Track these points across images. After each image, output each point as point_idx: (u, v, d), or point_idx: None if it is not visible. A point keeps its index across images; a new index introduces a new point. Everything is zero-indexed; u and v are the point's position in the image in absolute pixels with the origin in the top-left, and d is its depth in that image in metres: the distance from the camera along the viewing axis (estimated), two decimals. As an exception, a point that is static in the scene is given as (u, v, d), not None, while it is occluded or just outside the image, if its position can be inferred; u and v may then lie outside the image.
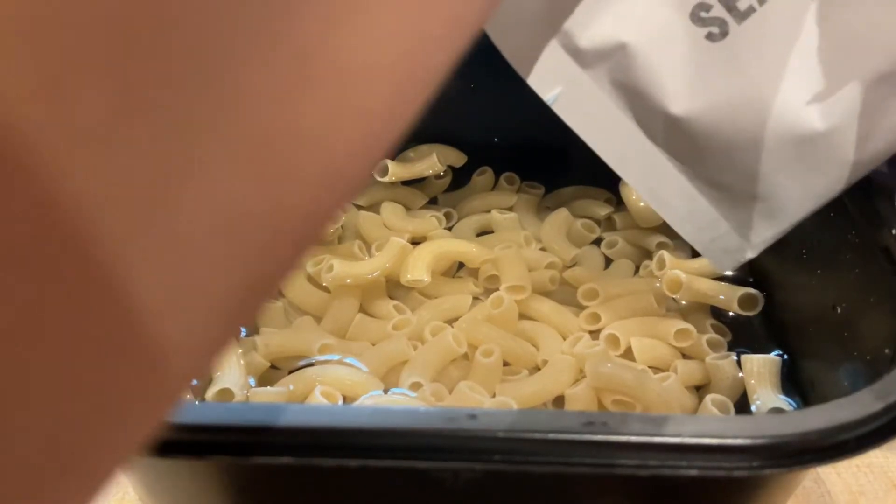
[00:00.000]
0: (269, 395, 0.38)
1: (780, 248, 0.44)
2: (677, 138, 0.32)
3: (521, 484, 0.28)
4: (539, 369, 0.41)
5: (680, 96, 0.31)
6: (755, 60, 0.31)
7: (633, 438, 0.25)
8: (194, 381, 0.40)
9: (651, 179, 0.33)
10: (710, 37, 0.31)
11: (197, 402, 0.34)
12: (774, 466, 0.25)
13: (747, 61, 0.31)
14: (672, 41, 0.31)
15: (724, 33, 0.31)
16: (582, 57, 0.32)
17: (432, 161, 0.53)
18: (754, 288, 0.43)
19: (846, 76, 0.30)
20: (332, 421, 0.25)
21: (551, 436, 0.25)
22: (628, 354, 0.42)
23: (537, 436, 0.25)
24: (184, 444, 0.25)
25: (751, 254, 0.34)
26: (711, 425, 0.25)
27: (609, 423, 0.25)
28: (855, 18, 0.30)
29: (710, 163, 0.33)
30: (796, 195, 0.33)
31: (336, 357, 0.41)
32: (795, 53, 0.31)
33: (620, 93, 0.32)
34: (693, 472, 0.25)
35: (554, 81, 0.30)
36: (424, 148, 0.54)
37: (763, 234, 0.34)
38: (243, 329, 0.43)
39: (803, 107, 0.31)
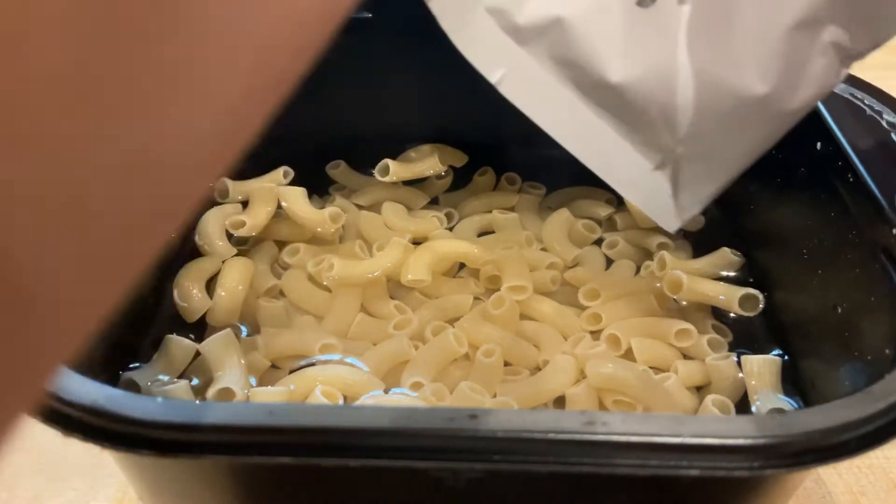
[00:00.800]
0: (269, 394, 0.38)
1: (780, 248, 0.44)
2: (619, 106, 0.32)
3: (522, 484, 0.28)
4: (540, 369, 0.41)
5: (617, 65, 0.31)
6: (686, 24, 0.31)
7: (634, 438, 0.25)
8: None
9: (597, 151, 0.33)
10: (640, 3, 0.31)
11: (197, 402, 0.34)
12: (775, 467, 0.25)
13: (678, 25, 0.31)
14: (605, 11, 0.31)
15: None
16: (520, 35, 0.31)
17: (434, 161, 0.53)
18: (754, 288, 0.43)
19: (770, 31, 0.31)
20: (332, 420, 0.25)
21: (552, 436, 0.25)
22: (629, 355, 0.42)
23: (538, 435, 0.25)
24: (185, 443, 0.25)
25: (695, 210, 0.34)
26: (712, 425, 0.25)
27: (609, 423, 0.25)
28: None
29: (651, 128, 0.33)
30: (735, 152, 0.33)
31: (337, 357, 0.41)
32: (721, 14, 0.31)
33: (561, 67, 0.32)
34: (694, 473, 0.25)
35: (498, 63, 0.30)
36: (426, 148, 0.54)
37: (704, 192, 0.34)
38: (244, 329, 0.43)
39: (738, 68, 0.31)
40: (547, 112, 0.33)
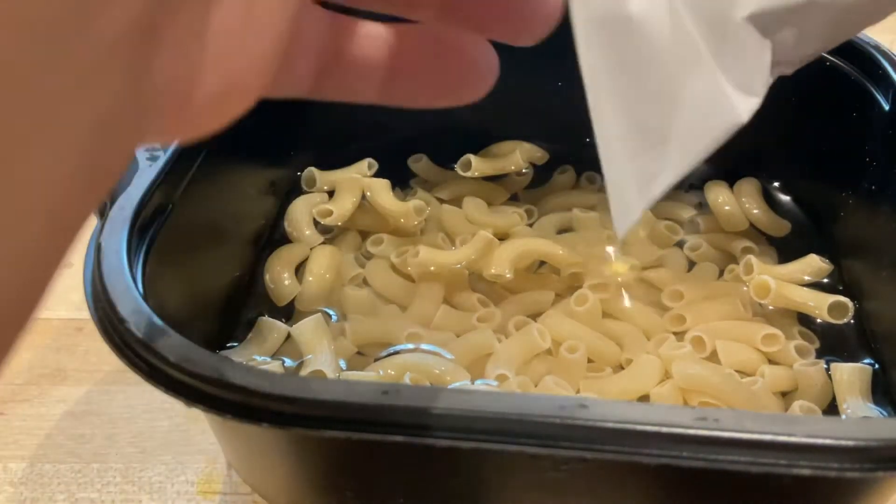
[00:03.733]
0: (361, 378, 0.39)
1: (872, 256, 0.43)
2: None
3: (623, 476, 0.29)
4: (622, 368, 0.41)
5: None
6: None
7: (747, 436, 0.25)
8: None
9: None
10: None
11: (315, 378, 0.35)
12: (886, 469, 0.25)
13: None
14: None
15: None
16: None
17: (515, 158, 0.54)
18: (844, 296, 0.42)
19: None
20: (448, 404, 0.26)
21: (664, 429, 0.25)
22: (713, 357, 0.41)
23: (649, 428, 0.25)
24: (303, 416, 0.26)
25: (646, 206, 0.31)
26: (826, 425, 0.25)
27: (721, 420, 0.25)
28: None
29: (637, 91, 0.30)
30: (696, 142, 0.30)
31: (422, 346, 0.42)
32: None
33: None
34: (805, 472, 0.25)
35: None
36: (507, 144, 0.54)
37: (657, 190, 0.31)
38: (333, 314, 0.44)
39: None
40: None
